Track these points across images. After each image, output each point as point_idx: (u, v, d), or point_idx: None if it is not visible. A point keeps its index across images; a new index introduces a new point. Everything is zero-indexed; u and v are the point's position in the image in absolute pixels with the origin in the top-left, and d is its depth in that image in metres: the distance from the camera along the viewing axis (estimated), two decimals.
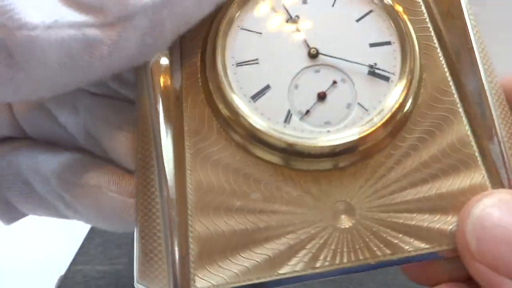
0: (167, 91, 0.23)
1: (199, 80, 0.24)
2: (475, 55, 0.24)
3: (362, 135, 0.23)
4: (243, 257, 0.22)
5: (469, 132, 0.24)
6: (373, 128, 0.23)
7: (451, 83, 0.25)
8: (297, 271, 0.22)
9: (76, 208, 0.25)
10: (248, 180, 0.23)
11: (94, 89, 0.26)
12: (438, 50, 0.25)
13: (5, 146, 0.27)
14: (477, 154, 0.24)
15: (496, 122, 0.24)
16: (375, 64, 0.24)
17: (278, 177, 0.23)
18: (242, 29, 0.24)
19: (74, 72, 0.19)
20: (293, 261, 0.22)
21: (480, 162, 0.24)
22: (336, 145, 0.23)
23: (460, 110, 0.24)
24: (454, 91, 0.25)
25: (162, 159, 0.23)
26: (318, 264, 0.22)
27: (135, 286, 0.23)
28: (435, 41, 0.25)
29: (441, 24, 0.25)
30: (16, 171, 0.26)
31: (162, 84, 0.23)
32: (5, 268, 0.39)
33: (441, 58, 0.25)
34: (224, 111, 0.23)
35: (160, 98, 0.23)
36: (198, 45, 0.25)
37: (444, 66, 0.25)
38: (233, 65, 0.24)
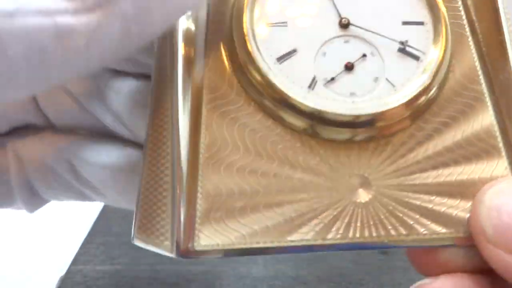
0: (189, 39, 0.23)
1: (224, 37, 0.24)
2: (506, 46, 0.24)
3: (386, 108, 0.22)
4: (252, 219, 0.21)
5: (494, 123, 0.23)
6: (398, 104, 0.22)
7: (479, 72, 0.24)
8: (307, 240, 0.21)
9: (105, 194, 0.24)
10: (264, 142, 0.22)
11: (118, 67, 0.25)
12: (469, 38, 0.25)
13: (30, 134, 0.26)
14: (501, 145, 0.23)
15: None
16: (407, 41, 0.23)
17: (296, 142, 0.22)
18: None
19: (45, 69, 0.15)
20: (304, 229, 0.21)
21: (504, 154, 0.23)
22: (359, 115, 0.22)
23: (487, 99, 0.24)
24: (482, 80, 0.24)
25: (177, 111, 0.22)
26: (329, 236, 0.21)
27: (133, 242, 0.22)
28: (467, 29, 0.25)
29: (474, 13, 0.25)
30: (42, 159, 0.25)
31: (184, 33, 0.23)
32: (5, 268, 0.38)
33: (471, 47, 0.25)
34: (246, 69, 0.23)
35: (183, 44, 0.22)
36: (227, 4, 0.24)
37: (474, 54, 0.25)
38: (262, 25, 0.23)
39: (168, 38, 0.23)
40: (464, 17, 0.25)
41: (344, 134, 0.22)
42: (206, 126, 0.22)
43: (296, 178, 0.22)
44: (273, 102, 0.22)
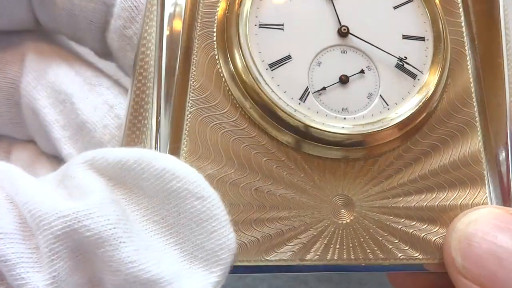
0: (176, 35, 0.21)
1: (214, 34, 0.22)
2: (503, 70, 0.23)
3: (378, 129, 0.21)
4: None
5: (482, 149, 0.23)
6: (390, 125, 0.21)
7: (473, 94, 0.24)
8: (284, 260, 0.20)
9: None
10: (248, 154, 0.21)
11: None
12: (468, 57, 0.24)
13: None
14: (485, 172, 0.23)
15: None
16: (405, 57, 0.22)
17: (281, 156, 0.21)
18: None
19: None
20: (283, 249, 0.21)
21: (487, 182, 0.23)
22: (349, 135, 0.21)
23: (478, 124, 0.23)
24: (475, 104, 0.23)
25: (159, 112, 0.20)
26: (308, 257, 0.21)
27: None
28: (467, 48, 0.24)
29: (476, 31, 0.24)
30: None
31: (172, 26, 0.21)
32: None
33: (469, 67, 0.24)
34: (236, 73, 0.21)
35: (167, 41, 0.20)
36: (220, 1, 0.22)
37: (470, 75, 0.24)
38: (255, 25, 0.22)
39: (149, 32, 0.21)
40: (465, 33, 0.24)
41: (334, 152, 0.21)
42: (188, 132, 0.21)
43: (279, 195, 0.21)
44: (260, 110, 0.21)
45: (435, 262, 0.22)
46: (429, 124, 0.23)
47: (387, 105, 0.22)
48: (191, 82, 0.21)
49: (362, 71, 0.22)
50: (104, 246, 0.17)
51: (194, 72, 0.21)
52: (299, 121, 0.21)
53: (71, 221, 0.16)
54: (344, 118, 0.22)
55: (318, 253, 0.21)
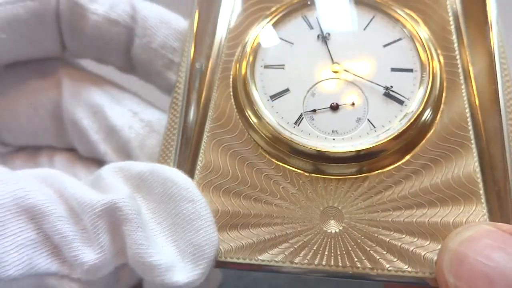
0: (203, 76, 0.27)
1: (231, 75, 0.27)
2: (498, 96, 0.24)
3: (363, 147, 0.24)
4: (230, 236, 0.24)
5: (478, 169, 0.24)
6: (376, 144, 0.24)
7: (469, 119, 0.25)
8: (275, 261, 0.23)
9: None
10: (251, 170, 0.25)
11: None
12: (462, 86, 0.25)
13: None
14: (481, 192, 0.23)
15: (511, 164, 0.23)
16: (391, 86, 0.25)
17: (279, 172, 0.25)
18: (279, 38, 0.27)
19: None
20: (275, 251, 0.23)
21: (483, 200, 0.23)
22: (336, 152, 0.24)
23: (473, 146, 0.24)
24: (470, 127, 0.25)
25: (184, 135, 0.26)
26: (296, 260, 0.23)
27: None
28: (461, 77, 0.26)
29: (470, 59, 0.26)
30: None
31: (200, 74, 0.27)
32: None
33: (463, 94, 0.25)
34: (243, 104, 0.26)
35: (197, 83, 0.26)
36: (238, 44, 0.28)
37: (465, 102, 0.25)
38: (261, 66, 0.26)
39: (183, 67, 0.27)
40: (459, 65, 0.26)
41: (324, 169, 0.24)
42: (204, 151, 0.26)
43: (274, 204, 0.24)
44: (261, 134, 0.25)
45: (425, 275, 0.22)
46: (422, 147, 0.25)
47: (374, 127, 0.25)
48: (210, 113, 0.26)
49: (352, 104, 0.25)
50: (127, 225, 0.22)
51: (213, 105, 0.27)
52: (294, 142, 0.24)
53: (108, 204, 0.22)
54: (333, 139, 0.25)
55: (307, 258, 0.23)
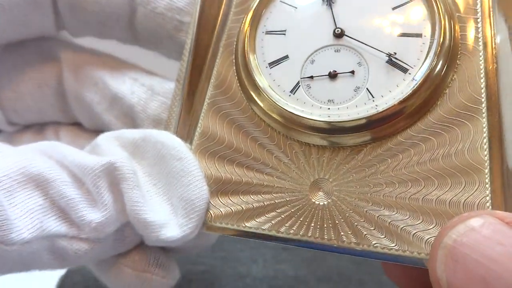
0: (206, 43, 0.27)
1: (235, 43, 0.27)
2: None
3: (358, 117, 0.23)
4: (220, 201, 0.24)
5: (486, 146, 0.22)
6: (372, 114, 0.23)
7: (483, 90, 0.22)
8: (262, 229, 0.23)
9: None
10: (246, 138, 0.25)
11: None
12: (481, 53, 0.23)
13: None
14: (486, 171, 0.21)
15: None
16: (395, 53, 0.23)
17: (272, 141, 0.24)
18: (281, 1, 0.26)
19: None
20: (261, 219, 0.23)
21: (488, 180, 0.21)
22: (331, 123, 0.23)
23: (484, 120, 0.22)
24: (484, 99, 0.22)
25: (184, 104, 0.26)
26: (282, 229, 0.23)
27: None
28: (480, 43, 0.23)
29: (494, 26, 0.23)
30: None
31: (204, 36, 0.27)
32: None
33: (481, 62, 0.23)
34: (243, 71, 0.26)
35: (198, 48, 0.27)
36: (244, 10, 0.27)
37: (482, 71, 0.23)
38: (262, 32, 0.26)
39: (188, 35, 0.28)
40: (480, 29, 0.23)
41: (317, 139, 0.24)
42: (203, 118, 0.26)
43: (265, 173, 0.24)
44: (256, 101, 0.25)
45: (413, 255, 0.21)
46: (425, 119, 0.23)
47: (373, 97, 0.23)
48: (212, 80, 0.27)
49: (352, 72, 0.24)
50: (124, 183, 0.23)
51: (215, 72, 0.27)
52: (288, 111, 0.24)
53: (106, 164, 0.23)
54: (328, 109, 0.24)
55: (293, 228, 0.23)
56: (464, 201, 0.21)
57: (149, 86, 0.29)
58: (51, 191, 0.22)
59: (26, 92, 0.30)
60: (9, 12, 0.26)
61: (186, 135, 0.26)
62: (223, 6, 0.28)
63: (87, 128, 0.31)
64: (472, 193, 0.21)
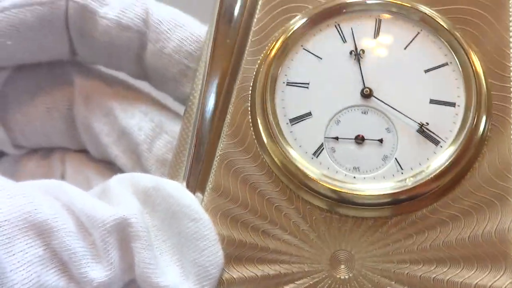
0: (220, 86, 0.25)
1: (250, 88, 0.25)
2: None
3: (385, 192, 0.21)
4: (234, 268, 0.23)
5: None
6: (401, 190, 0.21)
7: None
8: None
9: None
10: (262, 198, 0.23)
11: None
12: None
13: None
14: None
15: None
16: (427, 123, 0.22)
17: (291, 204, 0.23)
18: (304, 49, 0.24)
19: None
20: None
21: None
22: (355, 195, 0.22)
23: None
24: None
25: (194, 154, 0.24)
26: None
27: None
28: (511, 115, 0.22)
29: None
30: None
31: (217, 80, 0.25)
32: None
33: None
34: (261, 124, 0.24)
35: (210, 91, 0.24)
36: (261, 51, 0.25)
37: None
38: (283, 82, 0.24)
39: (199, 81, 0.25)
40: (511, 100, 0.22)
41: (340, 209, 0.22)
42: (215, 172, 0.24)
43: (283, 240, 0.23)
44: (275, 161, 0.23)
45: None
46: (453, 194, 0.22)
47: (401, 168, 0.22)
48: (225, 129, 0.24)
49: (380, 140, 0.22)
50: (137, 242, 0.21)
51: (228, 120, 0.24)
52: (308, 176, 0.22)
53: (119, 219, 0.21)
54: (354, 177, 0.22)
55: None
56: (490, 285, 0.21)
57: (158, 122, 0.27)
58: (54, 242, 0.21)
59: (35, 115, 0.29)
60: (23, 34, 0.26)
61: (195, 187, 0.24)
62: (236, 44, 0.25)
63: (93, 157, 0.30)
64: (498, 278, 0.21)
